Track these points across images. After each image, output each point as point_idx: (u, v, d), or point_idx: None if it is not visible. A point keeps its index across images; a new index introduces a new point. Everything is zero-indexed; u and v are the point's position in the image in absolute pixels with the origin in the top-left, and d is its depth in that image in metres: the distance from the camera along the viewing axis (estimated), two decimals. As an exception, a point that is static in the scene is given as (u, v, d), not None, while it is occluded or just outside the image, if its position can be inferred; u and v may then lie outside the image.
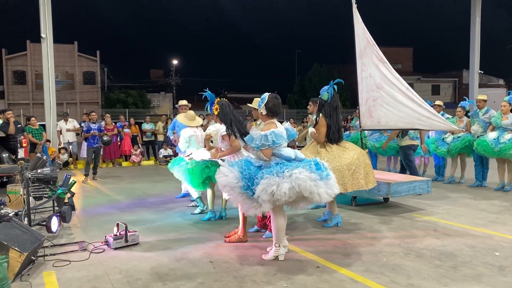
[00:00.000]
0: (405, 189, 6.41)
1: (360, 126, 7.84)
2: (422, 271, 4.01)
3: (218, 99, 5.46)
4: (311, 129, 5.95)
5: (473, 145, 8.46)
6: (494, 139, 7.87)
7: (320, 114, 5.72)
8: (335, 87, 5.69)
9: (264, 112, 4.39)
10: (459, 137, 8.77)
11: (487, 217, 6.11)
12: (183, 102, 8.27)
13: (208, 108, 5.61)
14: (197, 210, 6.56)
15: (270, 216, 4.60)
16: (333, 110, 5.65)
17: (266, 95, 4.43)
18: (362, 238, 5.14)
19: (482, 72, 19.78)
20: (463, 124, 8.93)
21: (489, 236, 5.15)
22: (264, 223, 5.33)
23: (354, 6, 7.35)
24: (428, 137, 9.38)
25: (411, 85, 7.59)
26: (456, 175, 9.22)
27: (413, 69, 45.00)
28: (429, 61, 61.21)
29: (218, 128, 5.55)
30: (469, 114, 9.16)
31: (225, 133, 5.19)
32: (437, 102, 9.47)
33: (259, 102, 4.48)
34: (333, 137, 5.65)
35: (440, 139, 9.09)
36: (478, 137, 8.39)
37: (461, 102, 9.45)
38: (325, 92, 5.69)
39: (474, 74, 19.00)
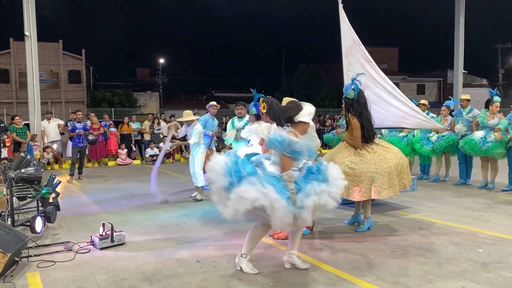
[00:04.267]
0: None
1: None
2: (407, 268, 4.06)
3: (261, 98, 5.12)
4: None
5: (457, 144, 8.58)
6: (481, 138, 7.99)
7: (349, 114, 5.33)
8: (359, 81, 5.39)
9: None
10: (443, 136, 8.88)
11: (471, 214, 6.21)
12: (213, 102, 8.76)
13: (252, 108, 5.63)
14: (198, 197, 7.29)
15: None
16: (362, 107, 5.32)
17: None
18: (349, 236, 5.18)
19: (466, 72, 20.09)
20: (448, 123, 9.04)
21: (473, 233, 5.23)
22: None
23: (340, 5, 7.37)
24: (413, 136, 9.49)
25: (396, 84, 7.63)
26: (441, 174, 9.34)
27: (399, 68, 45.44)
28: (415, 61, 61.86)
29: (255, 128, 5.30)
30: (452, 113, 9.29)
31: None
32: (422, 101, 9.58)
33: None
34: (369, 135, 5.33)
35: (425, 138, 9.20)
36: (462, 136, 8.51)
37: (446, 101, 9.58)
38: (350, 90, 5.32)
39: (458, 74, 19.26)
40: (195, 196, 7.54)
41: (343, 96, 5.45)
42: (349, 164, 5.16)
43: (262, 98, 5.13)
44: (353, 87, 5.32)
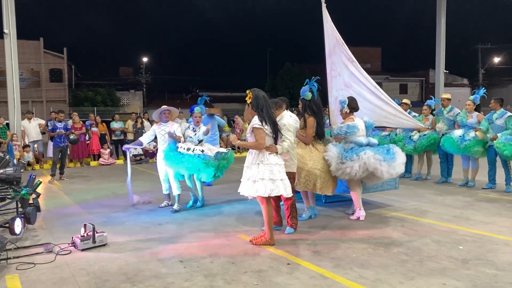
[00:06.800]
0: (373, 185, 6.53)
1: (330, 124, 7.93)
2: (389, 266, 4.10)
3: (249, 90, 5.01)
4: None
5: (438, 142, 8.70)
6: (460, 136, 8.12)
7: (306, 114, 5.70)
8: (316, 84, 5.70)
9: (348, 110, 5.85)
10: (425, 134, 8.99)
11: (451, 212, 6.31)
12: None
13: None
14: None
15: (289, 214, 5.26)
16: (318, 108, 5.73)
17: (345, 99, 5.95)
18: (332, 235, 5.21)
19: (448, 71, 20.41)
20: (429, 122, 9.16)
21: (453, 230, 5.31)
22: (279, 220, 5.41)
23: (324, 5, 7.40)
24: (396, 134, 9.59)
25: (379, 84, 7.73)
26: (423, 172, 9.47)
27: (382, 68, 45.85)
28: (397, 61, 62.49)
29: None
30: (434, 112, 9.41)
31: (257, 126, 4.70)
32: (404, 101, 9.69)
33: (342, 104, 5.93)
34: (321, 133, 5.83)
35: (407, 136, 9.30)
36: (443, 134, 8.64)
37: (427, 100, 9.70)
38: (308, 92, 5.69)
39: (440, 73, 19.56)
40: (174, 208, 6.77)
41: (301, 97, 5.86)
42: (298, 155, 5.49)
43: (248, 90, 5.09)
44: (310, 89, 5.72)
